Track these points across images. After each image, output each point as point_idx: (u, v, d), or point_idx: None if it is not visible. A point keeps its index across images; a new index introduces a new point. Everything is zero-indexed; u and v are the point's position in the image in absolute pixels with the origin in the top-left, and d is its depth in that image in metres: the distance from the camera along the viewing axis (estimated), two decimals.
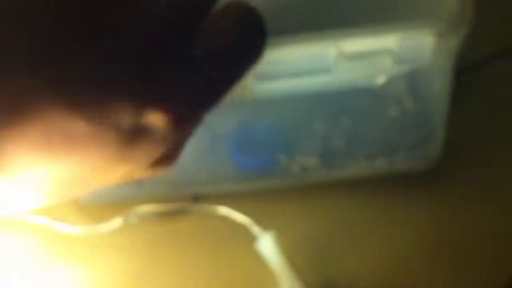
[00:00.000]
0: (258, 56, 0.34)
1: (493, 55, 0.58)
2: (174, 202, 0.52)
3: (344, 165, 0.51)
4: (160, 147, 0.30)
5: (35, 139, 0.25)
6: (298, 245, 0.49)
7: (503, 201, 0.50)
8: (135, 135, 0.27)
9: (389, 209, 0.51)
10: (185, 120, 0.30)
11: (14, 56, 0.25)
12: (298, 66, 0.41)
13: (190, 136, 0.33)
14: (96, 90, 0.26)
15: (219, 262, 0.50)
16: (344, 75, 0.41)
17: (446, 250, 0.49)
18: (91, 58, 0.26)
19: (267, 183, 0.53)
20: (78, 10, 0.26)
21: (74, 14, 0.26)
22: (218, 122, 0.50)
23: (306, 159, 0.51)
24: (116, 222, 0.51)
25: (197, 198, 0.53)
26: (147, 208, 0.51)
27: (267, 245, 0.47)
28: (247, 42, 0.34)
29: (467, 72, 0.52)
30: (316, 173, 0.51)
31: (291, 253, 0.47)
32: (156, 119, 0.28)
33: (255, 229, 0.48)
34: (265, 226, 0.48)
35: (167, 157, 0.32)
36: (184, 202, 0.53)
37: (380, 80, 0.42)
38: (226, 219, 0.50)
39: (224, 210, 0.51)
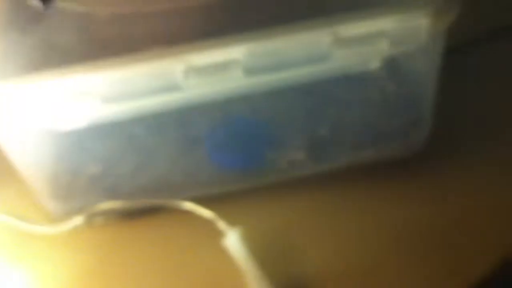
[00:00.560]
0: None
1: (481, 36, 0.58)
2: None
3: (331, 157, 0.50)
4: None
5: None
6: (265, 241, 0.47)
7: (490, 188, 0.49)
8: None
9: (367, 200, 0.50)
10: None
11: None
12: (292, 56, 0.39)
13: None
14: None
15: (184, 258, 0.48)
16: (340, 62, 0.39)
17: (433, 237, 0.47)
18: None
19: (251, 182, 0.50)
20: None
21: None
22: (193, 120, 0.48)
23: (293, 154, 0.49)
24: (77, 220, 0.49)
25: None
26: (109, 205, 0.49)
27: (234, 241, 0.46)
28: None
29: (456, 53, 0.51)
30: (303, 167, 0.50)
31: (258, 249, 0.46)
32: None
33: (222, 225, 0.47)
34: (232, 222, 0.47)
35: None
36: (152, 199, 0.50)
37: (375, 64, 0.41)
38: (191, 215, 0.48)
39: (189, 206, 0.48)
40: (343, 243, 0.47)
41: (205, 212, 0.47)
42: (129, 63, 0.38)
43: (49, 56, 0.41)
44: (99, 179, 0.49)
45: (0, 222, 0.50)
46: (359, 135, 0.49)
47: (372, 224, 0.48)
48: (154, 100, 0.40)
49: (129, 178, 0.50)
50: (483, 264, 0.45)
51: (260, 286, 0.43)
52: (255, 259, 0.45)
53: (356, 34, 0.39)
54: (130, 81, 0.39)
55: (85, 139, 0.46)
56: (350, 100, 0.48)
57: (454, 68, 0.52)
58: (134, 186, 0.50)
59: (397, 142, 0.50)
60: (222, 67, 0.39)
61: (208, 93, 0.41)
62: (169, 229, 0.50)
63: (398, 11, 0.38)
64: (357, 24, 0.38)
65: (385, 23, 0.38)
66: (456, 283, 0.44)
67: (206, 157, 0.50)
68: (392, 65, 0.45)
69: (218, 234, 0.46)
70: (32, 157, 0.46)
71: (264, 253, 0.46)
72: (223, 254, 0.46)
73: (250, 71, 0.39)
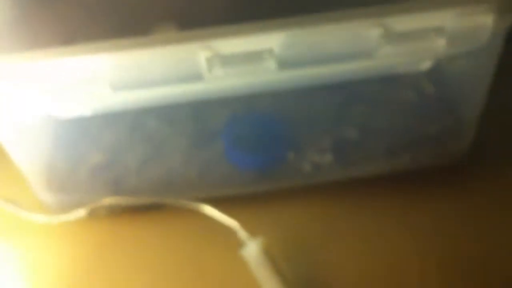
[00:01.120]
0: None
1: None
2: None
3: (361, 162, 0.45)
4: None
5: None
6: (287, 252, 0.43)
7: None
8: None
9: (400, 210, 0.45)
10: None
11: None
12: (333, 49, 0.34)
13: None
14: None
15: (194, 265, 0.44)
16: (387, 60, 0.34)
17: (465, 256, 0.43)
18: None
19: (270, 185, 0.45)
20: None
21: None
22: (211, 112, 0.43)
23: (318, 156, 0.44)
24: (80, 212, 0.45)
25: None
26: (115, 201, 0.44)
27: (254, 252, 0.41)
28: None
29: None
30: (329, 172, 0.45)
31: (279, 260, 0.41)
32: None
33: (242, 234, 0.42)
34: (251, 230, 0.42)
35: None
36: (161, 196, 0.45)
37: (426, 65, 0.36)
38: (206, 219, 0.43)
39: (209, 210, 0.43)
40: (372, 256, 0.43)
41: (227, 220, 0.43)
42: (145, 46, 0.33)
43: (53, 33, 0.36)
44: (100, 172, 0.44)
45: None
46: (392, 140, 0.44)
47: (402, 236, 0.44)
48: (171, 90, 0.35)
49: (135, 172, 0.45)
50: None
51: None
52: (276, 272, 0.40)
53: (409, 29, 0.33)
54: (144, 67, 0.34)
55: (89, 127, 0.42)
56: (385, 101, 0.44)
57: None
58: (139, 181, 0.45)
59: (435, 150, 0.45)
60: (252, 57, 0.34)
61: (233, 86, 0.35)
62: (177, 229, 0.46)
63: (459, 4, 0.33)
64: (411, 17, 0.33)
65: (443, 18, 0.33)
66: None
67: (222, 154, 0.45)
68: (438, 64, 0.40)
69: (236, 242, 0.42)
70: (28, 145, 0.41)
71: (285, 265, 0.41)
72: (240, 263, 0.42)
73: (284, 63, 0.34)
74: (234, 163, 0.45)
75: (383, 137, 0.44)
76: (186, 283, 0.43)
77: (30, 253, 0.45)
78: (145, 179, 0.45)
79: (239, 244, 0.42)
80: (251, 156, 0.45)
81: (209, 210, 0.43)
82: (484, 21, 0.34)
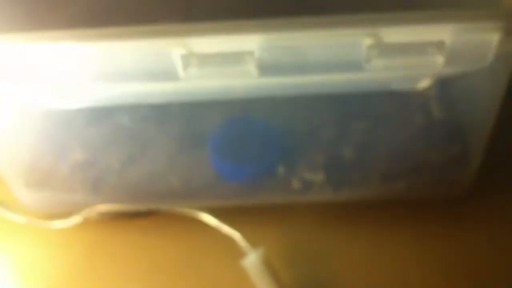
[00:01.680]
0: None
1: None
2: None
3: (354, 185, 0.42)
4: None
5: None
6: (288, 262, 0.42)
7: None
8: None
9: (398, 236, 0.43)
10: None
11: None
12: (318, 57, 0.31)
13: None
14: None
15: (193, 275, 0.42)
16: (378, 74, 0.31)
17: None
18: None
19: (257, 198, 0.43)
20: None
21: None
22: (197, 116, 0.41)
23: (309, 173, 0.41)
24: (74, 219, 0.44)
25: None
26: (107, 208, 0.43)
27: (254, 263, 0.40)
28: None
29: None
30: (320, 192, 0.42)
31: (280, 270, 0.40)
32: None
33: (243, 244, 0.41)
34: (251, 240, 0.41)
35: None
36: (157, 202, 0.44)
37: (423, 83, 0.32)
38: (204, 227, 0.42)
39: (210, 219, 0.42)
40: (370, 270, 0.42)
41: (228, 230, 0.41)
42: (119, 37, 0.31)
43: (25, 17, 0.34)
44: (80, 171, 0.42)
45: None
46: (391, 162, 0.41)
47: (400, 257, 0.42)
48: (147, 87, 0.33)
49: (116, 173, 0.43)
50: None
51: None
52: (277, 282, 0.39)
53: (403, 41, 0.30)
54: (116, 59, 0.31)
55: (70, 124, 0.39)
56: (386, 120, 0.40)
57: None
58: (121, 183, 0.43)
59: (436, 178, 0.41)
60: (230, 59, 0.31)
61: (211, 88, 0.33)
62: (173, 237, 0.44)
63: (462, 19, 0.30)
64: (407, 28, 0.30)
65: (443, 32, 0.30)
66: None
67: (208, 162, 0.42)
68: (443, 84, 0.37)
69: (236, 251, 0.41)
70: (5, 140, 0.39)
71: (285, 275, 0.41)
72: (240, 272, 0.41)
73: (266, 67, 0.31)
74: (221, 172, 0.42)
75: (381, 160, 0.41)
76: None
77: (16, 256, 0.44)
78: (127, 181, 0.43)
79: (240, 253, 0.41)
80: (237, 166, 0.42)
81: (209, 219, 0.42)
82: (489, 40, 0.30)
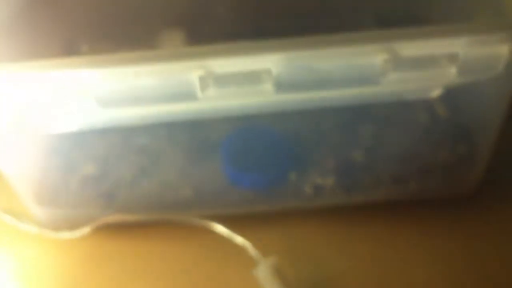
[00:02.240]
0: None
1: None
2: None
3: (365, 188, 0.42)
4: None
5: None
6: (298, 272, 0.41)
7: None
8: None
9: (410, 239, 0.43)
10: None
11: None
12: (335, 74, 0.32)
13: None
14: None
15: (204, 285, 0.42)
16: (393, 87, 0.32)
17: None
18: None
19: (270, 205, 0.43)
20: None
21: None
22: (208, 128, 0.41)
23: (320, 178, 0.42)
24: (85, 229, 0.44)
25: None
26: (119, 218, 0.43)
27: (265, 272, 0.40)
28: None
29: None
30: (331, 196, 0.42)
31: (292, 281, 0.40)
32: None
33: (254, 253, 0.41)
34: (261, 248, 0.41)
35: None
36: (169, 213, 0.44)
37: (436, 92, 0.33)
38: (216, 237, 0.42)
39: (220, 229, 0.42)
40: (382, 278, 0.42)
41: (239, 239, 0.41)
42: (134, 62, 0.31)
43: (49, 40, 0.34)
44: (92, 184, 0.42)
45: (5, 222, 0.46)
46: (400, 166, 0.42)
47: (409, 266, 0.42)
48: (163, 109, 0.33)
49: (129, 187, 0.43)
50: None
51: None
52: None
53: (417, 55, 0.31)
54: (133, 84, 0.32)
55: (81, 141, 0.40)
56: (395, 124, 0.41)
57: None
58: (133, 195, 0.43)
59: (445, 179, 0.42)
60: (249, 78, 0.32)
61: (229, 106, 0.34)
62: (184, 248, 0.44)
63: (473, 32, 0.31)
64: (420, 42, 0.31)
65: (454, 45, 0.31)
66: None
67: (220, 170, 0.43)
68: (452, 90, 0.37)
69: (245, 260, 0.41)
70: (17, 158, 0.39)
71: (295, 286, 0.41)
72: (251, 280, 0.40)
73: (283, 85, 0.32)
74: (233, 181, 0.43)
75: (390, 162, 0.42)
76: None
77: (26, 265, 0.44)
78: (139, 194, 0.43)
79: (251, 262, 0.41)
80: (250, 175, 0.43)
81: (220, 228, 0.42)
82: (499, 51, 0.31)
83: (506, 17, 0.32)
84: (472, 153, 0.40)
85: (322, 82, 0.32)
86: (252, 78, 0.32)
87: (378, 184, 0.42)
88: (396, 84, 0.32)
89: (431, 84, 0.33)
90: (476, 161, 0.41)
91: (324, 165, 0.42)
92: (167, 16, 0.42)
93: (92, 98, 0.32)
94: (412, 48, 0.31)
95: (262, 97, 0.32)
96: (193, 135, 0.42)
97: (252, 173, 0.43)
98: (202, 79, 0.31)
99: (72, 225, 0.44)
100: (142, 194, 0.43)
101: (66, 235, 0.44)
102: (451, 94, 0.36)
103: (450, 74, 0.32)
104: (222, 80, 0.32)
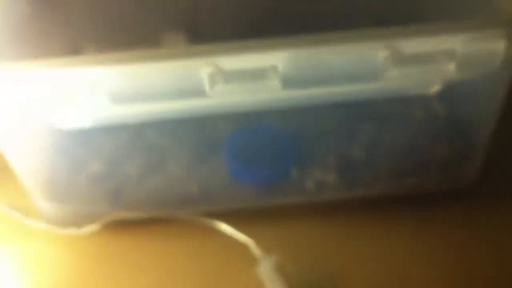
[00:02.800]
0: None
1: None
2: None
3: (366, 183, 0.44)
4: None
5: None
6: (299, 270, 0.42)
7: None
8: None
9: (409, 234, 0.44)
10: None
11: None
12: (338, 70, 0.33)
13: None
14: None
15: (208, 282, 0.43)
16: (394, 82, 0.33)
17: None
18: None
19: (272, 201, 0.45)
20: None
21: None
22: (213, 125, 0.42)
23: (322, 174, 0.43)
24: (92, 226, 0.45)
25: None
26: (125, 215, 0.44)
27: (267, 270, 0.41)
28: None
29: None
30: (333, 191, 0.44)
31: (294, 278, 0.41)
32: None
33: (256, 251, 0.42)
34: (266, 247, 0.42)
35: None
36: (174, 210, 0.45)
37: (434, 88, 0.35)
38: (218, 234, 0.43)
39: (223, 227, 0.43)
40: (383, 274, 0.43)
41: (242, 237, 0.42)
42: (146, 60, 0.32)
43: (59, 41, 0.35)
44: (100, 182, 0.44)
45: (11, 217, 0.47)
46: (399, 161, 0.43)
47: (408, 260, 0.43)
48: (172, 105, 0.35)
49: (135, 184, 0.44)
50: None
51: None
52: None
53: (417, 52, 0.32)
54: (144, 81, 0.33)
55: (89, 138, 0.41)
56: (394, 121, 0.43)
57: None
58: (139, 193, 0.44)
59: (443, 173, 0.43)
60: (256, 75, 0.33)
61: (237, 102, 0.35)
62: (189, 245, 0.45)
63: (470, 29, 0.32)
64: (420, 39, 0.32)
65: (453, 42, 0.32)
66: None
67: (224, 168, 0.44)
68: (449, 86, 0.39)
69: (247, 258, 0.42)
70: (28, 154, 0.40)
71: (297, 283, 0.41)
72: (253, 280, 0.41)
73: (289, 82, 0.33)
74: (237, 177, 0.44)
75: (390, 158, 0.43)
76: None
77: (32, 261, 0.45)
78: (145, 191, 0.44)
79: (254, 260, 0.42)
80: (254, 171, 0.44)
81: (223, 227, 0.43)
82: (496, 47, 0.33)
83: (502, 14, 0.33)
84: (469, 147, 0.42)
85: (326, 79, 0.33)
86: (259, 74, 0.33)
87: (378, 180, 0.43)
88: (396, 80, 0.33)
89: (430, 80, 0.35)
90: (474, 155, 0.42)
91: (326, 161, 0.43)
92: (169, 17, 0.43)
93: (104, 94, 0.33)
94: (412, 45, 0.32)
95: (268, 93, 0.33)
96: (198, 133, 0.43)
97: (255, 169, 0.44)
98: (210, 76, 0.33)
99: (79, 222, 0.45)
100: (148, 191, 0.44)
101: (73, 231, 0.45)
102: (449, 90, 0.38)
103: (449, 70, 0.33)
104: (230, 77, 0.33)
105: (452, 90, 0.38)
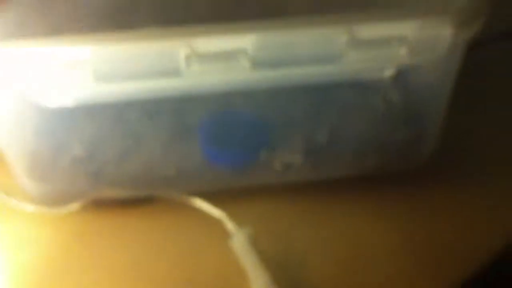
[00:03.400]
0: None
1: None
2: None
3: (329, 164, 0.47)
4: None
5: None
6: (271, 243, 0.46)
7: (497, 205, 0.48)
8: None
9: (372, 210, 0.48)
10: None
11: None
12: (303, 52, 0.36)
13: None
14: None
15: (186, 256, 0.46)
16: (352, 65, 0.37)
17: (433, 254, 0.46)
18: None
19: (243, 181, 0.48)
20: None
21: None
22: (188, 109, 0.45)
23: (289, 156, 0.46)
24: (73, 206, 0.47)
25: None
26: (106, 193, 0.47)
27: (241, 242, 0.44)
28: None
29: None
30: (299, 172, 0.47)
31: (265, 250, 0.44)
32: None
33: (230, 225, 0.45)
34: (237, 221, 0.45)
35: None
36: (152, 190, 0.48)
37: (388, 72, 0.38)
38: (195, 211, 0.47)
39: (198, 203, 0.47)
40: (344, 250, 0.46)
41: (215, 212, 0.46)
42: (129, 40, 0.36)
43: (38, 22, 0.38)
44: (82, 162, 0.46)
45: None
46: (360, 144, 0.47)
47: (371, 233, 0.47)
48: (151, 84, 0.38)
49: (115, 164, 0.47)
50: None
51: None
52: (261, 261, 0.43)
53: (373, 36, 0.36)
54: (126, 60, 0.36)
55: (71, 118, 0.43)
56: (353, 106, 0.46)
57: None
58: (120, 173, 0.47)
59: (400, 154, 0.47)
60: (228, 56, 0.36)
61: (209, 82, 0.38)
62: (167, 222, 0.48)
63: (420, 16, 0.36)
64: (375, 25, 0.36)
65: (405, 28, 0.36)
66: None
67: (199, 149, 0.47)
68: (403, 73, 0.42)
69: (222, 232, 0.45)
70: (10, 132, 0.43)
71: (268, 255, 0.44)
72: (227, 253, 0.44)
73: (257, 63, 0.36)
74: (211, 159, 0.47)
75: (351, 141, 0.47)
76: (174, 272, 0.45)
77: (14, 239, 0.47)
78: (125, 171, 0.47)
79: (227, 234, 0.45)
80: (226, 153, 0.47)
81: (199, 203, 0.46)
82: (443, 33, 0.36)
83: (449, 2, 0.37)
84: (422, 129, 0.46)
85: (292, 61, 0.37)
86: (230, 56, 0.36)
87: (341, 161, 0.47)
88: (354, 63, 0.37)
89: (385, 64, 0.38)
90: (427, 136, 0.46)
91: (293, 144, 0.47)
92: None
93: (88, 72, 0.36)
94: (368, 30, 0.36)
95: (239, 74, 0.37)
96: (175, 117, 0.46)
97: (228, 152, 0.47)
98: (187, 57, 0.36)
99: (61, 201, 0.47)
100: (127, 172, 0.47)
101: (54, 210, 0.47)
102: (403, 76, 0.41)
103: (401, 55, 0.37)
104: (204, 58, 0.36)
105: (406, 75, 0.41)
